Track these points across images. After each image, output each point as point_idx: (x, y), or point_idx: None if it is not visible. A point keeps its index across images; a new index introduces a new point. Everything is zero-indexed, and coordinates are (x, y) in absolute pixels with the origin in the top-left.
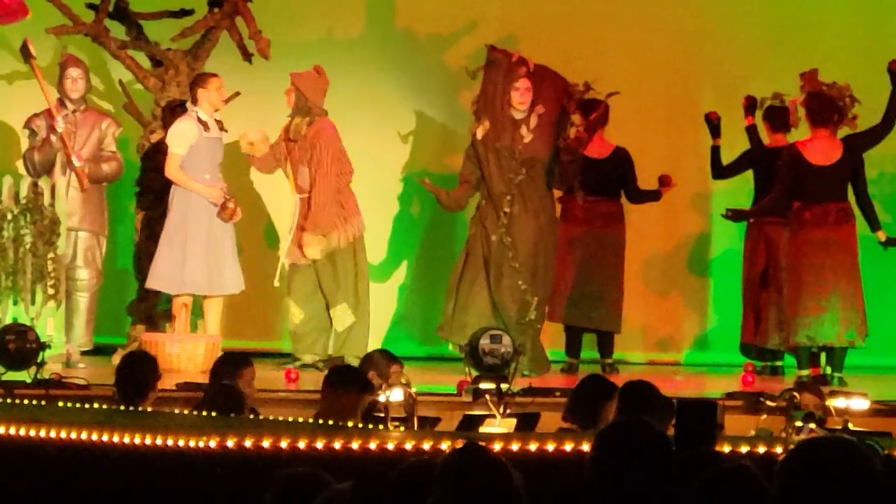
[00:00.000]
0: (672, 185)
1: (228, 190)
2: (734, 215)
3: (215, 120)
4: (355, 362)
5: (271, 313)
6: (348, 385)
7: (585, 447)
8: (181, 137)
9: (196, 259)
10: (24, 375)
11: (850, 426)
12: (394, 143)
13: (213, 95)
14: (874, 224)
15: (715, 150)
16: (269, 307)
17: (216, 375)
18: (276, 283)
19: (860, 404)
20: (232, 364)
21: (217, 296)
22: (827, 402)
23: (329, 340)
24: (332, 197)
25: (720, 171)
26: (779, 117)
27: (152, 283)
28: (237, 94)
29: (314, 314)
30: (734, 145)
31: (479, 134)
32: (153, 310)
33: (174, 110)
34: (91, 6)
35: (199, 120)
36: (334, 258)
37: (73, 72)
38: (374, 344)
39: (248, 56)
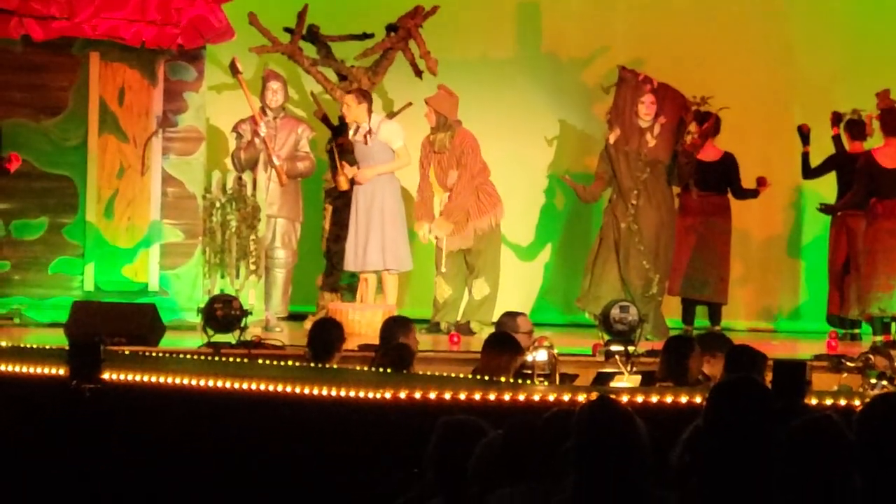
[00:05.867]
0: (767, 185)
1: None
2: (826, 209)
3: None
4: (477, 327)
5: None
6: (504, 348)
7: (698, 399)
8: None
9: (375, 239)
10: (230, 338)
11: None
12: (541, 146)
13: None
14: None
15: (805, 156)
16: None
17: (388, 334)
18: (444, 269)
19: None
20: (403, 325)
21: (375, 272)
22: None
23: (459, 310)
24: (469, 194)
25: (809, 172)
26: (857, 129)
27: (342, 263)
28: (409, 104)
29: (458, 290)
30: (819, 151)
31: (612, 139)
32: (338, 283)
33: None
34: (288, 30)
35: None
36: (482, 240)
37: (273, 84)
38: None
39: (419, 73)
